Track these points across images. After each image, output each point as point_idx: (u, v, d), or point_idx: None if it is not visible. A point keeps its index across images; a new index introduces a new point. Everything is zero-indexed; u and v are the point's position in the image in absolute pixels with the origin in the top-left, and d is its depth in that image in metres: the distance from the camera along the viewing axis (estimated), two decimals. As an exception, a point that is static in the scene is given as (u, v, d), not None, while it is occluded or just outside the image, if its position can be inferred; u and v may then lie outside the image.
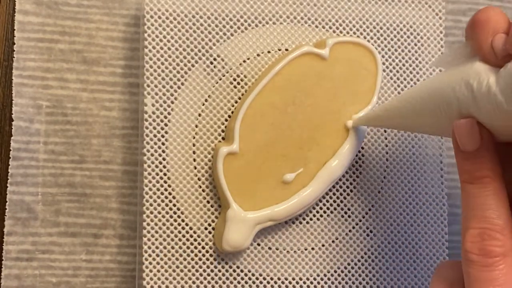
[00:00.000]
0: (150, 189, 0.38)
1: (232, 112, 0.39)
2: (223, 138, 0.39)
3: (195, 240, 0.38)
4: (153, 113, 0.38)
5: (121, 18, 0.40)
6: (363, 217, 0.40)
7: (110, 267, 0.39)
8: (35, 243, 0.39)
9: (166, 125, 0.38)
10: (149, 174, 0.38)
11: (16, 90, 0.39)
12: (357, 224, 0.40)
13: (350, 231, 0.40)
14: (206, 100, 0.39)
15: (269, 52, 0.40)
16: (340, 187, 0.40)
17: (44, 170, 0.39)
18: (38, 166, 0.39)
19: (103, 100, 0.40)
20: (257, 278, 0.39)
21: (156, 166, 0.38)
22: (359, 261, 0.40)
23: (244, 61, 0.39)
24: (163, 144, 0.38)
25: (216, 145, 0.38)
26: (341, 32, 0.41)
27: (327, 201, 0.40)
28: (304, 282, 0.39)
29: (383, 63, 0.41)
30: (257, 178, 0.38)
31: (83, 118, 0.40)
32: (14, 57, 0.39)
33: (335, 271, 0.40)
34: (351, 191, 0.40)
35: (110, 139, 0.40)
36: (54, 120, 0.39)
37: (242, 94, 0.39)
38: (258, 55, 0.40)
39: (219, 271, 0.38)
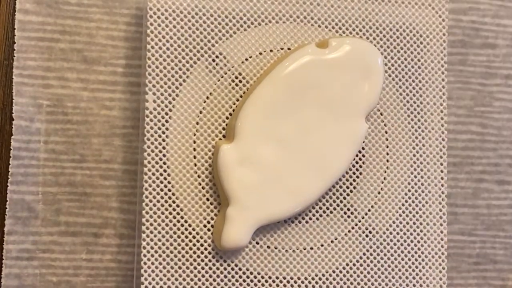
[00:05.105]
0: (150, 185, 0.38)
1: (234, 110, 0.39)
2: (223, 136, 0.39)
3: (193, 237, 0.38)
4: (154, 109, 0.38)
5: (121, 17, 0.41)
6: (363, 217, 0.40)
7: (111, 266, 0.40)
8: (35, 242, 0.39)
9: (167, 121, 0.38)
10: (149, 170, 0.38)
11: (17, 89, 0.39)
12: (356, 225, 0.40)
13: (349, 231, 0.40)
14: (207, 98, 0.39)
15: (271, 51, 0.40)
16: (340, 187, 0.40)
17: (44, 169, 0.39)
18: (38, 165, 0.39)
19: (103, 99, 0.40)
20: (255, 277, 0.39)
21: (156, 163, 0.38)
22: (357, 261, 0.40)
23: (246, 59, 0.39)
24: (163, 140, 0.38)
25: (216, 142, 0.39)
26: (343, 32, 0.41)
27: (327, 200, 0.40)
28: (302, 282, 0.40)
29: (385, 64, 0.41)
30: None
31: (84, 117, 0.40)
32: (14, 56, 0.39)
33: (334, 271, 0.40)
34: (351, 191, 0.40)
35: (110, 138, 0.40)
36: (54, 119, 0.40)
37: (244, 92, 0.39)
38: (260, 53, 0.40)
39: (217, 268, 0.39)
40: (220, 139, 0.39)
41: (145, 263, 0.38)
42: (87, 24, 0.40)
